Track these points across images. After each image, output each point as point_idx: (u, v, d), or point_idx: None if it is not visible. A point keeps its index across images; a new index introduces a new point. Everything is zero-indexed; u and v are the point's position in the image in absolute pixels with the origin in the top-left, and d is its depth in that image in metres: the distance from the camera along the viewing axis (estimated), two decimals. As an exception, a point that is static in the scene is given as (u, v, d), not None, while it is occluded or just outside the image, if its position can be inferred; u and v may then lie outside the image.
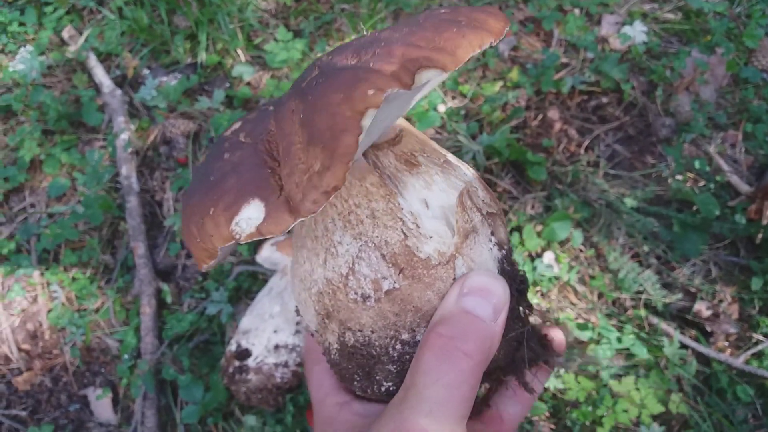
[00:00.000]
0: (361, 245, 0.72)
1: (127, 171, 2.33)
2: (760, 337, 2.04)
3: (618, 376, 1.97)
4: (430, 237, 0.72)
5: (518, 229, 2.16)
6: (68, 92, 2.52)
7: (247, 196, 0.65)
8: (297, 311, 0.86)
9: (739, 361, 1.98)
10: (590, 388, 1.93)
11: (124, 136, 2.37)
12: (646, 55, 2.51)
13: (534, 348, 0.76)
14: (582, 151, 2.35)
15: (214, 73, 2.57)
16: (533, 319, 0.82)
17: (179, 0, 2.57)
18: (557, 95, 2.45)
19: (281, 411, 1.93)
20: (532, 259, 2.13)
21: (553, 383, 1.93)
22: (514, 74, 2.42)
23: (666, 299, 2.08)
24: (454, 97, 2.44)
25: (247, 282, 2.15)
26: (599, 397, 1.91)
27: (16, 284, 2.23)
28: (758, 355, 2.01)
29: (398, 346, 0.73)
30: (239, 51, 2.57)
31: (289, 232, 0.86)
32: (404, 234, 0.72)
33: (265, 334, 1.82)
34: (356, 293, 0.72)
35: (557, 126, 2.37)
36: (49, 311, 2.20)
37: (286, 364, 1.79)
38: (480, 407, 0.84)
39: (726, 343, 2.06)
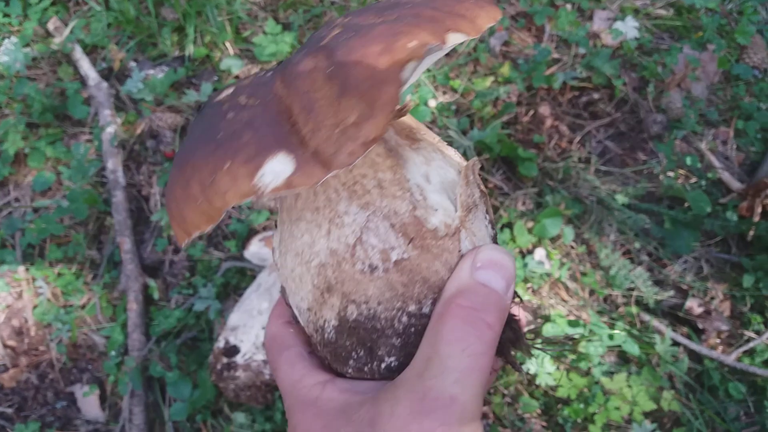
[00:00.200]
0: (369, 215, 0.71)
1: (114, 165, 2.29)
2: (752, 334, 2.05)
3: (610, 374, 1.96)
4: (436, 210, 0.72)
5: (509, 225, 2.15)
6: (53, 85, 2.48)
7: (272, 148, 0.62)
8: (282, 291, 0.83)
9: (731, 358, 1.98)
10: (582, 385, 1.93)
11: (110, 130, 2.33)
12: (638, 51, 2.50)
13: (516, 330, 0.77)
14: (573, 147, 2.34)
15: (201, 66, 2.54)
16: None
17: (167, -8, 2.54)
18: (548, 91, 2.44)
19: (270, 408, 1.91)
20: (523, 256, 2.13)
21: (544, 380, 1.92)
22: (506, 69, 2.41)
23: (657, 296, 2.07)
24: (444, 92, 2.43)
25: (235, 278, 2.13)
26: (591, 395, 1.91)
27: (1, 280, 2.19)
28: (750, 352, 2.02)
29: (404, 318, 0.72)
30: (227, 44, 2.53)
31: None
32: (413, 205, 0.71)
33: (254, 330, 1.81)
34: (363, 263, 0.71)
35: (548, 122, 2.36)
36: (35, 307, 2.17)
37: (275, 362, 1.78)
38: None
39: (718, 340, 2.06)
